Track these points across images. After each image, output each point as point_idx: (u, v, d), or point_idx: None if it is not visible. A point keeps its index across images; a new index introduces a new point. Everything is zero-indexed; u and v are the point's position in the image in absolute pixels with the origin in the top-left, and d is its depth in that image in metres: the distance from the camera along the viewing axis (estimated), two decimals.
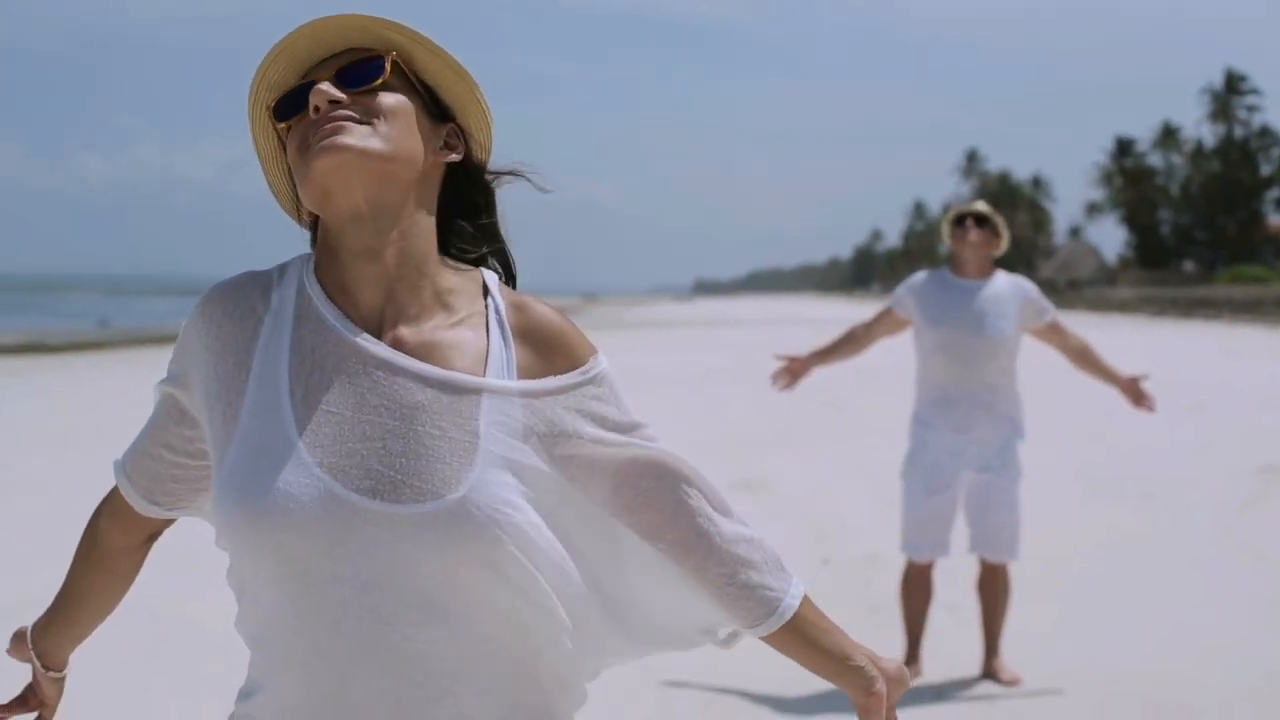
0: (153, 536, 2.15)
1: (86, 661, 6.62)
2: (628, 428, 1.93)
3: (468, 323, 1.88)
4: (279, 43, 1.86)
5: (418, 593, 1.75)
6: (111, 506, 2.11)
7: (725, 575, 1.97)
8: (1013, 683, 6.54)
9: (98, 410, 19.14)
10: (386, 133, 1.82)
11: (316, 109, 1.82)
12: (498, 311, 1.90)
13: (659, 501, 1.94)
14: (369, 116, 1.82)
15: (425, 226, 1.89)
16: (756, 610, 1.98)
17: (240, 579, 1.83)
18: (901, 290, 6.97)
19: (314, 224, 1.97)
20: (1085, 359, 6.92)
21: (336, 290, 1.86)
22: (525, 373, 1.87)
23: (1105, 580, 8.64)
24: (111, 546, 2.12)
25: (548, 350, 1.90)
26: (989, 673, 6.67)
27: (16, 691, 2.25)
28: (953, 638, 7.15)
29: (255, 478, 1.75)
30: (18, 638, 2.22)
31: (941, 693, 6.49)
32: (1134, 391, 6.88)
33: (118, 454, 2.07)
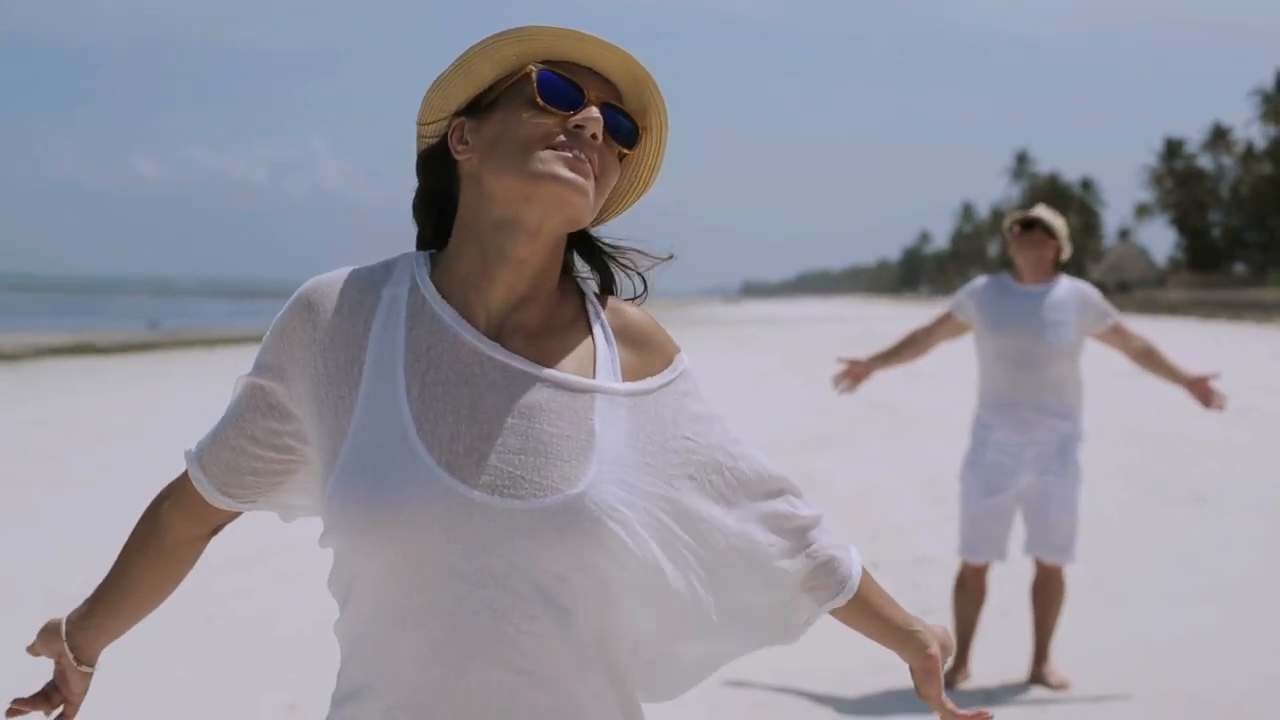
0: (217, 529, 2.12)
1: (152, 661, 6.65)
2: (710, 419, 2.00)
3: (574, 326, 1.96)
4: (582, 33, 1.89)
5: (532, 587, 1.79)
6: (178, 496, 2.08)
7: (809, 555, 2.05)
8: (1061, 687, 6.49)
9: (146, 409, 19.28)
10: (596, 201, 1.90)
11: (593, 135, 1.87)
12: (598, 315, 1.99)
13: (753, 489, 2.02)
14: (596, 173, 1.89)
15: (562, 252, 1.98)
16: (830, 583, 2.07)
17: (348, 578, 1.85)
18: (962, 295, 6.95)
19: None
20: (1150, 360, 6.87)
21: (462, 289, 1.90)
22: (629, 372, 1.96)
23: (1155, 583, 8.55)
24: (175, 536, 2.09)
25: (645, 350, 1.99)
26: (1037, 677, 6.61)
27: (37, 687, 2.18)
28: (1003, 642, 7.09)
29: (372, 473, 1.78)
30: (49, 631, 2.15)
31: (990, 697, 6.43)
32: (1202, 391, 6.79)
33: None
